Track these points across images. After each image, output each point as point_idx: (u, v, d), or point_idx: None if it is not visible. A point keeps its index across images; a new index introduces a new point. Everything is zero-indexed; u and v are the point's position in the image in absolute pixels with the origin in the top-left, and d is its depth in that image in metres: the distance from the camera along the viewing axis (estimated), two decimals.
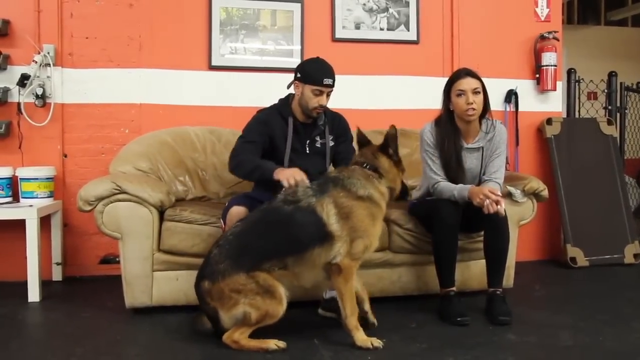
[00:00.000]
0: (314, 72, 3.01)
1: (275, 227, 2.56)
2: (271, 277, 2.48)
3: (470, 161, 3.13)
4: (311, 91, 2.99)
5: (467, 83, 3.01)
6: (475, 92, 3.01)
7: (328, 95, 3.05)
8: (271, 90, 3.43)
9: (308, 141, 3.13)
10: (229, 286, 2.45)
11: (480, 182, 3.12)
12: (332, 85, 3.04)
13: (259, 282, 2.45)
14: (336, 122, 3.22)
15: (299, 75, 3.05)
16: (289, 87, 3.14)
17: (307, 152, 3.11)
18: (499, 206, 2.83)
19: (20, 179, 3.66)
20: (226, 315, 2.49)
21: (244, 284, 2.45)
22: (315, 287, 2.71)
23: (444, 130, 3.09)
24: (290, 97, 3.18)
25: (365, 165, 2.71)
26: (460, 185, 3.01)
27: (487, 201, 2.82)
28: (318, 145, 3.14)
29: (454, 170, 3.08)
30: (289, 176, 2.77)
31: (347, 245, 2.55)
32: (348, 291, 2.56)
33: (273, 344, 2.50)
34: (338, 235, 2.53)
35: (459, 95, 3.02)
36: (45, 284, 3.55)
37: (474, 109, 3.00)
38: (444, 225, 2.98)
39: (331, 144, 3.16)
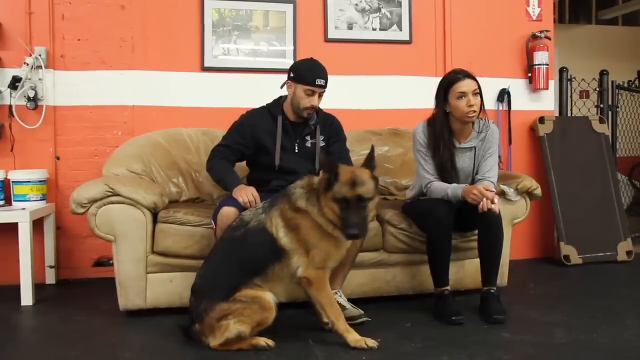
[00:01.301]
0: (307, 73, 3.02)
1: (232, 255, 2.56)
2: (252, 290, 2.49)
3: (463, 161, 3.14)
4: (303, 91, 3.01)
5: (468, 85, 2.99)
6: (475, 93, 3.00)
7: (320, 95, 3.06)
8: (264, 91, 3.43)
9: (298, 140, 3.14)
10: (215, 318, 2.46)
11: (473, 182, 3.13)
12: (324, 86, 3.05)
13: (241, 300, 2.46)
14: (328, 122, 3.23)
15: (292, 74, 3.07)
16: (282, 87, 3.15)
17: (296, 151, 3.13)
18: (493, 204, 2.85)
19: (12, 182, 3.65)
20: (219, 342, 2.47)
21: (227, 308, 2.45)
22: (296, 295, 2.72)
23: (438, 132, 3.07)
24: (282, 97, 3.19)
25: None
26: (453, 185, 3.02)
27: (484, 200, 2.84)
28: (308, 145, 3.15)
29: (448, 171, 3.08)
30: (242, 195, 2.87)
31: (305, 257, 2.52)
32: (325, 300, 2.56)
33: (262, 341, 2.51)
34: (291, 249, 2.52)
35: (460, 97, 2.98)
36: (39, 287, 3.53)
37: (474, 111, 3.00)
38: (438, 224, 2.98)
39: (322, 144, 3.16)
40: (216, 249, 2.67)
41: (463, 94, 2.98)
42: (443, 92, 3.06)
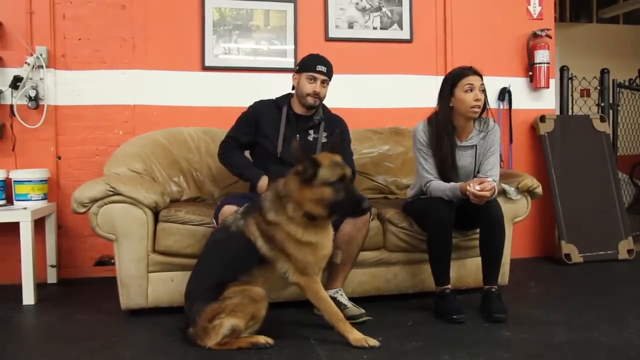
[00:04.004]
0: (309, 62, 3.17)
1: (216, 258, 2.58)
2: (240, 286, 2.49)
3: (464, 159, 3.14)
4: (306, 78, 3.12)
5: (476, 80, 3.02)
6: (481, 90, 3.02)
7: (323, 83, 3.14)
8: (265, 90, 3.46)
9: (300, 132, 3.18)
10: (207, 319, 2.45)
11: None
12: (326, 74, 3.14)
13: (231, 297, 2.46)
14: (333, 122, 3.29)
15: (297, 67, 3.22)
16: (293, 88, 3.23)
17: None
18: (485, 192, 2.85)
19: (13, 181, 3.65)
20: (215, 341, 2.47)
21: (217, 307, 2.45)
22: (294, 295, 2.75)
23: (441, 127, 3.06)
24: (291, 93, 3.27)
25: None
26: (451, 184, 3.01)
27: (470, 185, 2.87)
28: (310, 139, 3.18)
29: (449, 168, 3.08)
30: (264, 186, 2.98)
31: (289, 263, 2.52)
32: (320, 304, 2.56)
33: (262, 339, 2.51)
34: (272, 256, 2.52)
35: (467, 90, 3.00)
36: (40, 287, 3.53)
37: (479, 106, 3.01)
38: (438, 223, 2.98)
39: (324, 140, 3.18)
40: (202, 253, 2.69)
41: (471, 87, 2.99)
42: (450, 85, 3.06)
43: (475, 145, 3.14)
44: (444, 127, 3.06)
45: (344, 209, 2.48)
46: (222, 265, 2.54)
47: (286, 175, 2.53)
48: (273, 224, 2.51)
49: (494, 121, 3.22)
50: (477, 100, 2.99)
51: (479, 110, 3.03)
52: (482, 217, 2.98)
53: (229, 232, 2.59)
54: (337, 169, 2.44)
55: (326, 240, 2.59)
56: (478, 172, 3.14)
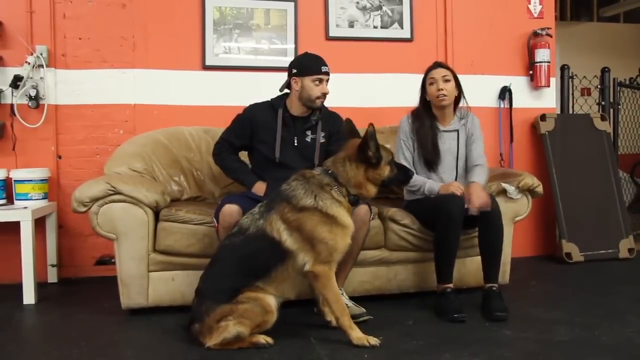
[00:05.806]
0: (311, 64, 3.10)
1: (233, 263, 2.55)
2: (254, 292, 2.49)
3: (449, 142, 3.31)
4: (312, 81, 3.06)
5: (438, 72, 3.27)
6: (444, 79, 3.24)
7: (327, 83, 3.12)
8: (265, 89, 3.44)
9: (298, 134, 3.16)
10: (215, 319, 2.45)
11: (458, 165, 3.31)
12: (329, 73, 3.12)
13: (243, 302, 2.46)
14: (331, 120, 3.24)
15: (295, 70, 3.11)
16: (281, 89, 3.19)
17: (296, 144, 3.14)
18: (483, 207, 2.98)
19: (14, 180, 3.65)
20: (216, 342, 2.47)
21: (229, 310, 2.45)
22: (300, 293, 2.74)
23: (421, 115, 3.32)
24: (286, 94, 3.21)
25: (329, 171, 2.63)
26: (430, 180, 3.20)
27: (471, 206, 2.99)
28: (308, 139, 3.16)
29: (430, 152, 3.25)
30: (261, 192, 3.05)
31: (312, 253, 2.52)
32: (331, 294, 2.56)
33: (262, 339, 2.51)
34: (296, 249, 2.51)
35: (431, 83, 3.27)
36: (41, 286, 3.54)
37: (444, 95, 3.23)
38: (449, 219, 2.98)
39: (322, 140, 3.17)
40: (217, 255, 2.65)
41: (433, 80, 3.26)
42: (423, 82, 3.35)
43: (457, 130, 3.33)
44: (423, 115, 3.33)
45: (397, 180, 2.79)
46: (239, 270, 2.52)
47: (335, 162, 2.64)
48: (308, 210, 2.52)
49: (471, 112, 3.42)
50: (439, 90, 3.23)
51: (444, 97, 3.24)
52: (480, 215, 2.98)
53: (247, 235, 2.56)
54: (387, 150, 2.72)
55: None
56: (466, 160, 3.31)
